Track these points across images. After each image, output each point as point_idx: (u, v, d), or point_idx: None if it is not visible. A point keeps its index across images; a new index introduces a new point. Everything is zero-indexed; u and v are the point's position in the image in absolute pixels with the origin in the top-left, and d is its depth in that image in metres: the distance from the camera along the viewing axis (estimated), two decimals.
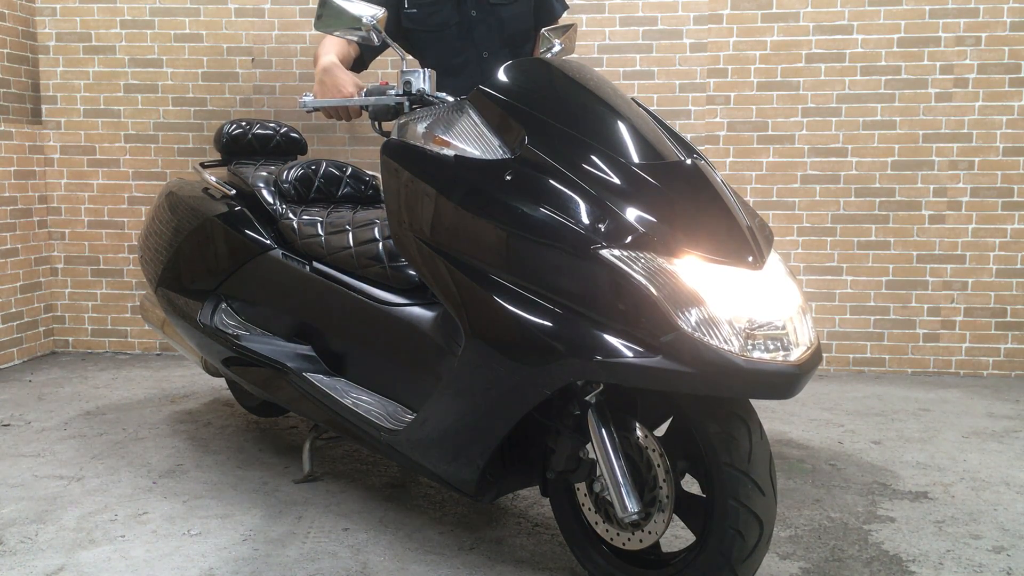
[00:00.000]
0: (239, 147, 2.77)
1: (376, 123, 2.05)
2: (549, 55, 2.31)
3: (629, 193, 1.58)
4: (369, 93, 2.04)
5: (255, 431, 2.94)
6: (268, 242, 2.44)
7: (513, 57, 2.54)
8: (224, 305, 2.57)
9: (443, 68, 2.51)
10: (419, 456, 1.90)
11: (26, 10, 4.00)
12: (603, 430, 1.65)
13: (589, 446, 1.69)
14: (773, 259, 1.62)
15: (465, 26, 2.60)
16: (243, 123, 2.79)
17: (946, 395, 3.49)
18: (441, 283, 1.74)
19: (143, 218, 4.06)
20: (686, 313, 1.46)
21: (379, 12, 1.94)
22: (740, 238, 1.56)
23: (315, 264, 2.33)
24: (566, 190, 1.60)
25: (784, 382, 1.47)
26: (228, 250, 2.50)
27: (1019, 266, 3.76)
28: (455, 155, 1.75)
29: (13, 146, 3.91)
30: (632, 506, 1.62)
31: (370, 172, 2.70)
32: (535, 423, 1.79)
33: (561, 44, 2.34)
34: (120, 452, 2.71)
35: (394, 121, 1.97)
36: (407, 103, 1.96)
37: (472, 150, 1.74)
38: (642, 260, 1.50)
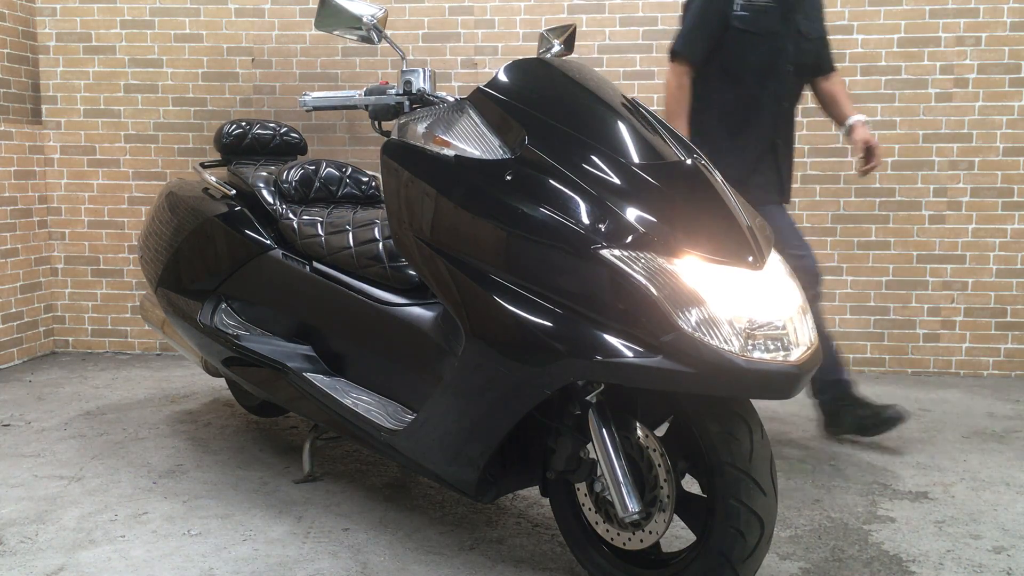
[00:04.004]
0: (239, 147, 2.78)
1: (376, 123, 2.05)
2: (549, 55, 2.31)
3: (629, 193, 1.58)
4: (369, 93, 2.04)
5: (255, 431, 2.94)
6: (268, 242, 2.44)
7: (796, 82, 2.75)
8: (224, 305, 2.57)
9: (753, 72, 2.66)
10: (419, 456, 1.90)
11: (26, 10, 4.00)
12: (603, 430, 1.65)
13: (589, 446, 1.69)
14: (773, 259, 1.62)
15: (781, 37, 2.69)
16: (243, 123, 2.80)
17: (946, 395, 3.49)
18: (441, 283, 1.74)
19: (143, 218, 4.06)
20: (686, 313, 1.46)
21: (379, 11, 1.93)
22: (740, 238, 1.56)
23: (315, 264, 2.32)
24: (566, 190, 1.60)
25: (784, 382, 1.48)
26: (228, 250, 2.50)
27: (1019, 266, 3.76)
28: (455, 155, 1.75)
29: (13, 146, 3.91)
30: (633, 506, 1.62)
31: (370, 172, 2.70)
32: (535, 423, 1.79)
33: (560, 44, 2.34)
34: (120, 452, 2.71)
35: (394, 121, 1.97)
36: (407, 103, 1.96)
37: (472, 150, 1.74)
38: (642, 260, 1.50)
